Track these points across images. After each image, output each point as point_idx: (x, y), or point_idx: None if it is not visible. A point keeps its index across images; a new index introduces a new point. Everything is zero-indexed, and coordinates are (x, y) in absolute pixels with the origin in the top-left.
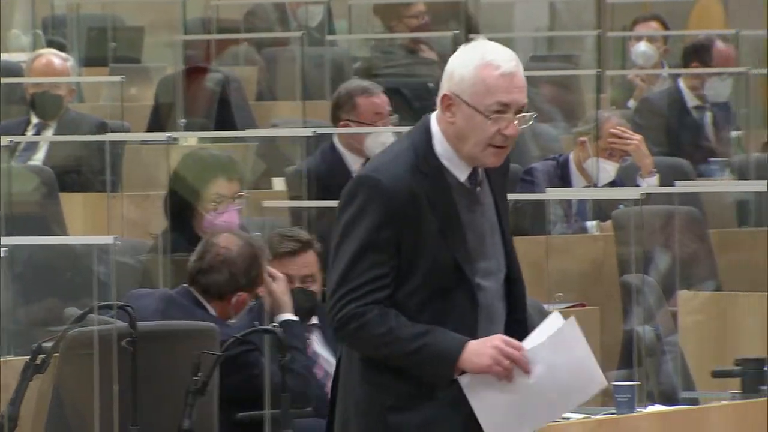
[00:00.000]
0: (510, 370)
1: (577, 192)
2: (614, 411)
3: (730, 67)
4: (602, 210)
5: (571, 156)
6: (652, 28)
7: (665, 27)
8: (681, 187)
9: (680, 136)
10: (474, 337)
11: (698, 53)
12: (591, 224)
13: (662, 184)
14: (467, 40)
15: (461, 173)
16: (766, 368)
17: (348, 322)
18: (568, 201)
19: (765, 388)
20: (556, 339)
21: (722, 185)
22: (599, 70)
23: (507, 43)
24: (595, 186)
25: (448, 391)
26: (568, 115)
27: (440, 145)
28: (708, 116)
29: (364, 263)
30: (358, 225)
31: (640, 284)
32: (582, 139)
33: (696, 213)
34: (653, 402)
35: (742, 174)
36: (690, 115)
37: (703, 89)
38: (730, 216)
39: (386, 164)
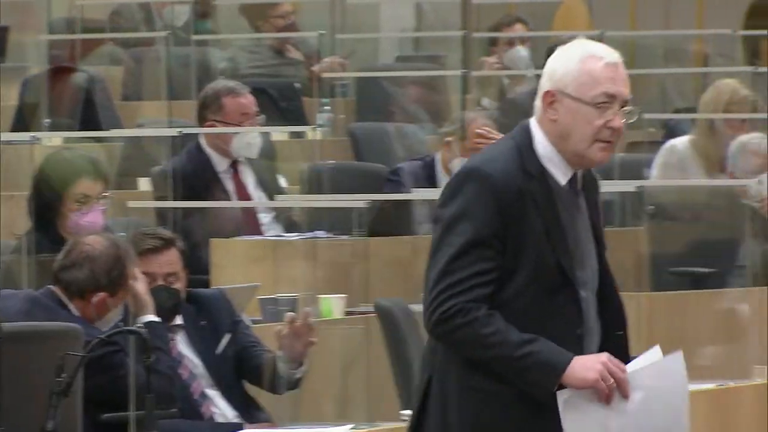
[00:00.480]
0: (612, 389)
1: None
2: None
3: None
4: None
5: (438, 156)
6: (517, 30)
7: (528, 29)
8: None
9: None
10: (580, 339)
11: None
12: None
13: None
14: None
15: (562, 177)
16: None
17: (453, 317)
18: (435, 201)
19: None
20: (659, 368)
21: None
22: (465, 70)
23: (373, 43)
24: None
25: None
26: (434, 116)
27: (542, 147)
28: None
29: (469, 257)
30: (466, 218)
31: None
32: (448, 139)
33: None
34: None
35: (606, 174)
36: None
37: None
38: None
39: (494, 160)
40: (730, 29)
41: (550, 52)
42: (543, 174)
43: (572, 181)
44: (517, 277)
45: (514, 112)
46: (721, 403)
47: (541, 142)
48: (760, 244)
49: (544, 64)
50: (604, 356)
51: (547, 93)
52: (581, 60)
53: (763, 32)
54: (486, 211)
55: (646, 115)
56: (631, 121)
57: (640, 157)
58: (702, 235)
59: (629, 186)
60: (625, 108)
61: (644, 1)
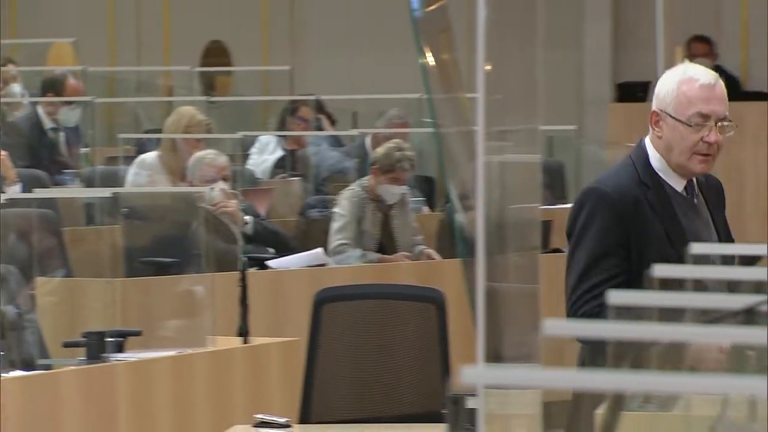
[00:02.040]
0: None
1: None
2: None
3: (80, 97)
4: None
5: None
6: (10, 68)
7: (17, 66)
8: (39, 193)
9: (39, 153)
10: None
11: (54, 86)
12: None
13: (24, 191)
14: None
15: (677, 184)
16: (106, 339)
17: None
18: None
19: (105, 355)
20: None
21: (73, 191)
22: None
23: None
24: None
25: None
26: None
27: (655, 159)
28: (62, 136)
29: (598, 266)
30: (589, 232)
31: (5, 272)
32: None
33: (52, 214)
34: (15, 368)
35: (89, 182)
36: (47, 135)
37: (58, 114)
38: (80, 216)
39: (610, 177)
40: (189, 66)
41: (44, 83)
42: (659, 183)
43: (689, 187)
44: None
45: (13, 133)
46: (181, 367)
47: (655, 156)
48: (212, 239)
49: (39, 93)
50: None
51: (653, 113)
52: (679, 82)
53: (216, 69)
54: (606, 224)
55: (122, 135)
56: (729, 134)
57: (117, 169)
58: (166, 232)
59: (107, 192)
60: (720, 123)
61: (119, 41)
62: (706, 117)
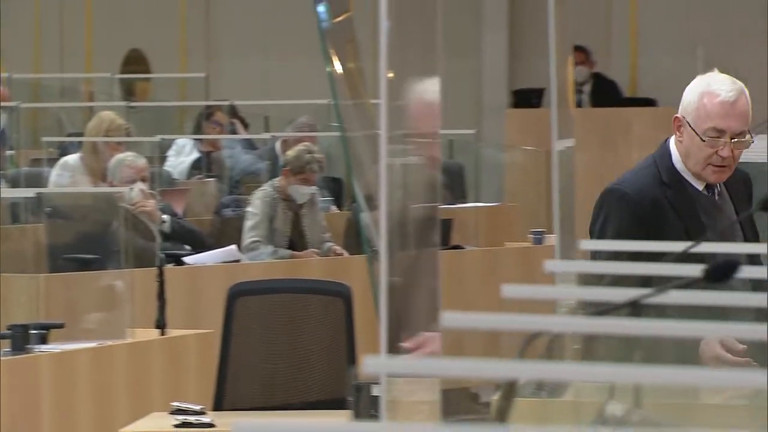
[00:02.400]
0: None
1: None
2: None
3: (6, 102)
4: None
5: None
6: None
7: None
8: None
9: None
10: None
11: None
12: None
13: None
14: None
15: (699, 184)
16: (30, 332)
17: None
18: None
19: (29, 347)
20: None
21: None
22: None
23: None
24: None
25: None
26: None
27: (677, 161)
28: None
29: None
30: (609, 232)
31: None
32: None
33: None
34: None
35: (14, 183)
36: None
37: None
38: (5, 215)
39: (630, 178)
40: (110, 73)
41: None
42: (681, 182)
43: (711, 185)
44: None
45: None
46: (101, 358)
47: (676, 157)
48: (131, 236)
49: None
50: (717, 349)
51: (675, 118)
52: (700, 94)
53: (135, 76)
54: (625, 224)
55: (45, 138)
56: (743, 149)
57: (41, 170)
58: (88, 230)
59: (31, 192)
60: (735, 139)
61: (43, 50)
62: (721, 132)
